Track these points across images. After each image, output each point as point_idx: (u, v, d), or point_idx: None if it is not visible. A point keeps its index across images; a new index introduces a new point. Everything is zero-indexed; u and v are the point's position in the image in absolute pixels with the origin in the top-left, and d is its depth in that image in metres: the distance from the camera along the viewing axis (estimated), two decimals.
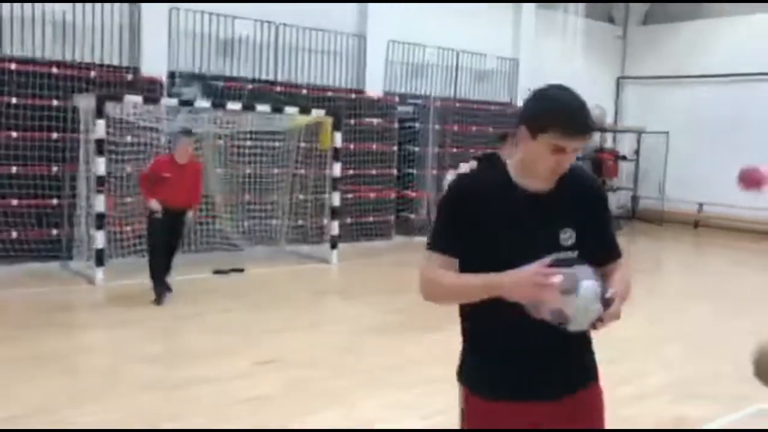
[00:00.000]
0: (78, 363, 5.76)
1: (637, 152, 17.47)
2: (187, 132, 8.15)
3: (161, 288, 7.67)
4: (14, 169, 9.10)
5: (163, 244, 7.74)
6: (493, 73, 15.38)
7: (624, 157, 17.63)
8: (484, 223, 2.17)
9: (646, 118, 17.64)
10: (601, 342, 6.86)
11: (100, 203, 8.37)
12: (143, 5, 10.50)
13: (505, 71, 15.54)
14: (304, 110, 10.53)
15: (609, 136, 17.81)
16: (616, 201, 18.36)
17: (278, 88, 11.44)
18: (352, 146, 11.88)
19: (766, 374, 2.34)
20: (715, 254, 13.79)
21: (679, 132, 16.73)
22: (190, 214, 7.95)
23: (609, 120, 17.53)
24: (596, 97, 17.05)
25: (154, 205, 7.57)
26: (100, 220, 8.42)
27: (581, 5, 15.55)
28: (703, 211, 16.72)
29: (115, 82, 9.79)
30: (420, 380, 5.48)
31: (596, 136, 17.61)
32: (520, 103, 15.33)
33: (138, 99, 8.91)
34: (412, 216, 13.25)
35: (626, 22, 18.66)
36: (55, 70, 9.38)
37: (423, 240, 10.54)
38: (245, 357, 5.92)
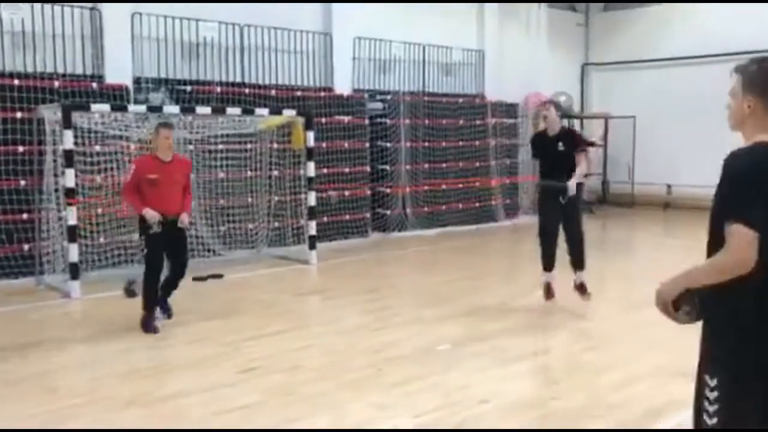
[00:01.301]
0: (56, 381, 5.64)
1: (605, 138, 17.66)
2: (166, 124, 7.14)
3: (151, 314, 6.85)
4: None
5: (161, 261, 6.87)
6: (460, 66, 15.43)
7: (592, 143, 17.78)
8: None
9: (611, 103, 17.87)
10: (579, 330, 6.97)
11: (71, 216, 8.22)
12: (104, 11, 10.33)
13: (472, 63, 15.60)
14: (275, 111, 10.47)
15: (576, 123, 17.96)
16: (586, 186, 18.55)
17: (247, 90, 11.34)
18: (324, 145, 11.83)
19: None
20: (686, 235, 13.98)
21: (645, 116, 16.97)
22: (185, 218, 6.85)
23: (575, 107, 17.69)
24: (562, 84, 17.26)
25: (152, 214, 6.57)
26: (73, 233, 8.27)
27: None
28: (672, 193, 16.99)
29: (79, 91, 9.62)
30: (405, 379, 5.48)
31: (564, 123, 17.74)
32: (488, 94, 15.47)
33: (105, 107, 8.76)
34: (388, 212, 13.25)
35: (588, 10, 18.84)
36: (17, 81, 9.18)
37: (399, 236, 10.66)
38: (229, 365, 5.86)
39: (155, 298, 6.93)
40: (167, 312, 7.22)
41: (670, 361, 5.78)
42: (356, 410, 4.88)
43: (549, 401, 5.01)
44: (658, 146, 16.89)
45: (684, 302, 2.69)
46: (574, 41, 18.51)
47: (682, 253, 11.61)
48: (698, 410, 2.66)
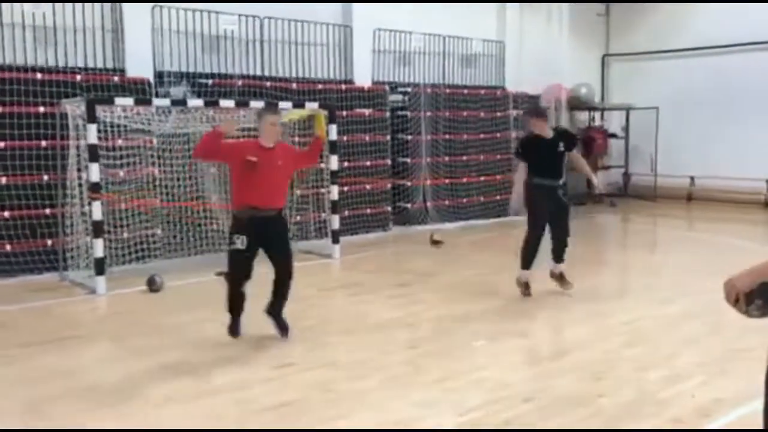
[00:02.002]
0: (90, 376, 5.55)
1: (626, 129, 17.43)
2: (272, 109, 6.51)
3: (235, 319, 6.25)
4: (3, 180, 8.87)
5: (249, 268, 6.00)
6: (481, 57, 15.25)
7: (614, 135, 17.59)
8: None
9: (632, 94, 17.62)
10: (613, 326, 6.82)
11: (96, 210, 8.13)
12: (125, 4, 10.24)
13: (492, 54, 15.41)
14: (297, 104, 10.33)
15: (597, 114, 17.75)
16: (607, 179, 18.36)
17: (268, 84, 11.22)
18: (345, 138, 11.70)
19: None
20: (710, 228, 13.79)
21: (667, 107, 16.71)
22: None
23: (596, 98, 17.46)
24: (582, 75, 17.04)
25: (227, 126, 5.89)
26: (98, 228, 8.18)
27: None
28: (695, 184, 16.75)
29: (101, 84, 9.53)
30: (445, 376, 5.36)
31: (584, 115, 17.57)
32: (508, 86, 15.29)
33: (129, 101, 8.66)
34: (409, 206, 13.11)
35: None
36: (39, 76, 9.11)
37: (421, 229, 10.51)
38: (264, 361, 5.77)
39: (238, 310, 6.22)
40: (283, 330, 6.25)
41: (708, 357, 5.65)
42: (398, 408, 4.76)
43: (596, 399, 4.87)
44: (681, 138, 16.64)
45: (758, 295, 2.57)
46: (594, 32, 18.24)
47: (709, 246, 11.60)
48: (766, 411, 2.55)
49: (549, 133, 7.62)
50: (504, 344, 6.21)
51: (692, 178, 16.72)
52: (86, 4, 9.88)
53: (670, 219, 15.06)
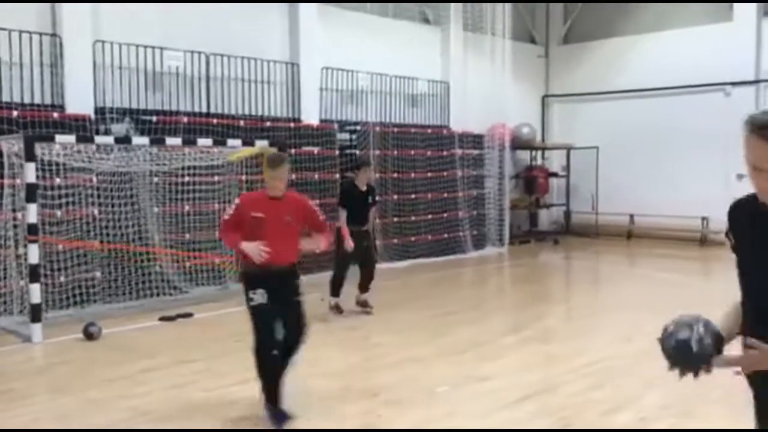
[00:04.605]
0: None
1: (567, 168, 17.79)
2: (280, 157, 5.43)
3: (275, 405, 5.20)
4: None
5: (274, 333, 5.20)
6: (426, 97, 15.36)
7: (555, 174, 17.92)
8: None
9: (573, 134, 18.05)
10: (576, 368, 6.74)
11: (33, 254, 7.67)
12: (65, 38, 9.87)
13: (437, 94, 15.55)
14: (245, 142, 10.11)
15: (539, 153, 18.08)
16: (549, 217, 18.66)
17: (215, 121, 10.97)
18: (294, 176, 11.48)
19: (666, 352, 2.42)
20: (650, 264, 14.10)
21: (606, 146, 17.17)
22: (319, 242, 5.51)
23: (538, 138, 17.80)
24: (524, 115, 17.37)
25: (253, 247, 5.06)
26: (34, 272, 7.71)
27: (506, 27, 15.76)
28: (635, 222, 17.17)
29: (39, 121, 9.10)
30: (410, 425, 5.15)
31: (526, 154, 17.87)
32: (452, 125, 15.42)
33: (70, 139, 8.27)
34: None
35: (547, 42, 19.11)
36: None
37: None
38: (219, 415, 5.44)
39: (277, 383, 5.21)
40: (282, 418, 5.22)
41: (673, 399, 5.61)
42: None
43: None
44: (620, 177, 17.09)
45: None
46: (535, 73, 18.70)
47: (654, 282, 11.82)
48: None
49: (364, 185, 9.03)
50: (467, 389, 6.06)
51: (632, 216, 17.14)
52: (24, 37, 9.48)
53: (612, 256, 15.34)
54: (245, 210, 5.25)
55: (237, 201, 5.53)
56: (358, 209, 8.97)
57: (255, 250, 5.05)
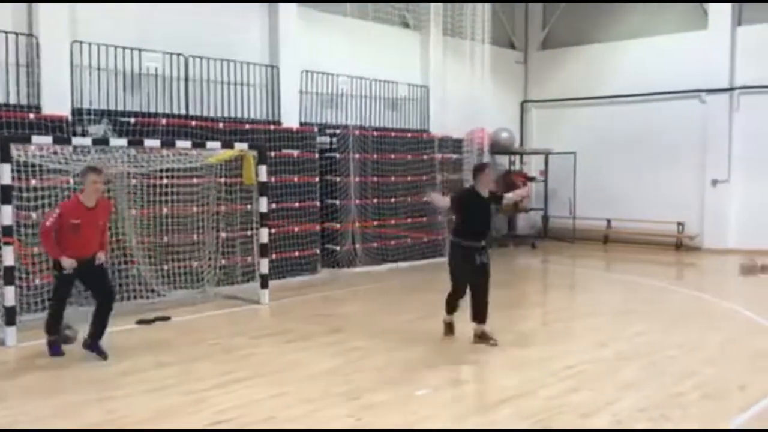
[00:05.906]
0: None
1: (545, 173, 17.93)
2: (96, 168, 7.18)
3: (56, 338, 7.22)
4: None
5: (69, 294, 7.31)
6: (406, 101, 15.40)
7: (533, 179, 18.04)
8: None
9: (551, 139, 18.19)
10: (554, 371, 6.80)
11: (8, 256, 7.56)
12: (42, 38, 9.76)
13: (417, 99, 15.60)
14: (225, 144, 10.06)
15: (517, 158, 18.19)
16: (527, 221, 18.77)
17: (193, 123, 10.90)
18: (273, 179, 11.46)
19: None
20: (626, 268, 14.24)
21: (584, 152, 17.33)
22: (101, 256, 7.15)
23: (516, 143, 17.91)
24: (503, 120, 17.47)
25: (69, 263, 6.84)
26: (9, 275, 7.60)
27: (485, 31, 15.85)
28: (612, 227, 17.34)
29: (15, 122, 8.99)
30: (390, 428, 5.17)
31: (505, 159, 17.97)
32: (432, 129, 15.47)
33: (47, 140, 8.17)
34: (338, 248, 12.93)
35: (526, 48, 19.25)
36: None
37: (349, 272, 10.33)
38: (196, 418, 5.40)
39: (59, 326, 7.23)
40: (102, 354, 7.09)
41: (649, 402, 5.67)
42: None
43: None
44: (598, 182, 17.27)
45: None
46: (513, 79, 18.83)
47: (630, 287, 11.94)
48: None
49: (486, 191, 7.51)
50: (447, 392, 6.08)
51: (609, 221, 17.31)
52: None
53: (589, 260, 15.47)
54: (66, 217, 6.88)
55: (57, 210, 7.02)
56: (481, 220, 7.48)
57: (70, 266, 6.81)
